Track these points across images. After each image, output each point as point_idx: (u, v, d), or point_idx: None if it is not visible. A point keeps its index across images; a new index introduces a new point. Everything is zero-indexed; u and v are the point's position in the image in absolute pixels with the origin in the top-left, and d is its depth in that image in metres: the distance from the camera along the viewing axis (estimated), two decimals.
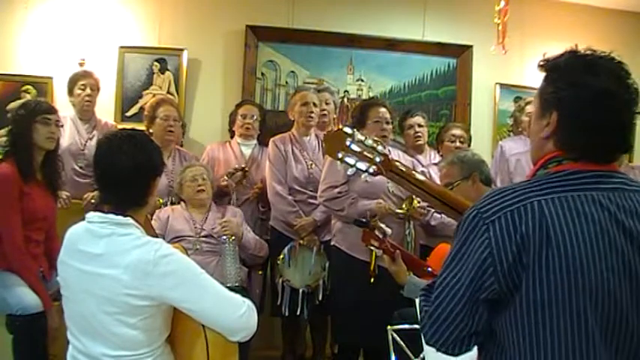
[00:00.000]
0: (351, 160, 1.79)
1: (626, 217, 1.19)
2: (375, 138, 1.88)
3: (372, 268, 2.88)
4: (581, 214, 1.16)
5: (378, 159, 1.79)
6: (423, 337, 1.27)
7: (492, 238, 1.15)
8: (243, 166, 3.68)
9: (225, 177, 3.62)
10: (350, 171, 1.82)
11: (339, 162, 1.82)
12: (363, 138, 1.80)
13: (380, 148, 1.81)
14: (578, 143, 1.22)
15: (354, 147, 1.78)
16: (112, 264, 1.65)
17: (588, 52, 1.25)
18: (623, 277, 1.16)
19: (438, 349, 1.24)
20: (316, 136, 3.79)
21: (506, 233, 1.14)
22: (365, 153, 1.79)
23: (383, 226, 2.66)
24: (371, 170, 1.79)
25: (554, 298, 1.13)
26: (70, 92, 3.73)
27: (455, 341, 1.21)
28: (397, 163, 1.85)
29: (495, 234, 1.15)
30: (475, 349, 1.27)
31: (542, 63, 1.28)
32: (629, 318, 1.16)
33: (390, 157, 1.82)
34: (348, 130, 1.80)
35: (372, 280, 2.93)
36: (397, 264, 2.50)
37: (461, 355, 1.25)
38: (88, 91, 3.71)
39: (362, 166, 1.79)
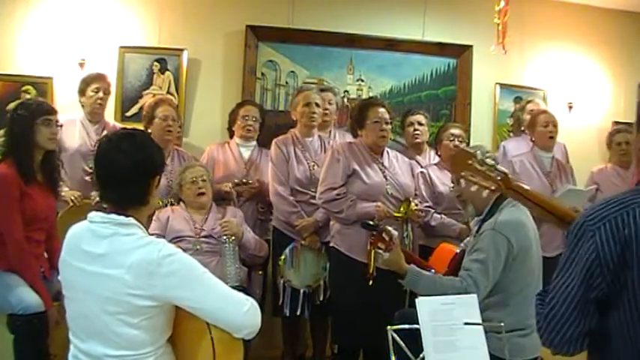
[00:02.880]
0: (474, 178, 1.92)
1: None
2: (494, 157, 2.03)
3: (370, 270, 2.88)
4: None
5: (499, 177, 1.91)
6: (539, 338, 1.35)
7: (598, 243, 1.25)
8: (250, 181, 3.71)
9: (230, 186, 3.64)
10: (473, 188, 2.01)
11: (462, 180, 2.04)
12: (484, 158, 1.95)
13: (499, 166, 1.94)
14: None
15: (477, 166, 1.92)
16: (115, 264, 1.65)
17: None
18: None
19: (553, 349, 1.33)
20: (319, 137, 3.77)
21: (611, 237, 1.24)
22: (487, 172, 1.91)
23: (390, 229, 2.66)
24: (492, 187, 1.93)
25: None
26: (82, 93, 3.72)
27: (569, 340, 1.30)
28: (516, 182, 1.97)
29: (601, 238, 1.25)
30: None
31: None
32: None
33: (509, 175, 1.93)
34: (470, 150, 2.00)
35: (371, 282, 2.93)
36: (393, 252, 2.51)
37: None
38: (101, 94, 3.72)
39: (484, 183, 1.92)
